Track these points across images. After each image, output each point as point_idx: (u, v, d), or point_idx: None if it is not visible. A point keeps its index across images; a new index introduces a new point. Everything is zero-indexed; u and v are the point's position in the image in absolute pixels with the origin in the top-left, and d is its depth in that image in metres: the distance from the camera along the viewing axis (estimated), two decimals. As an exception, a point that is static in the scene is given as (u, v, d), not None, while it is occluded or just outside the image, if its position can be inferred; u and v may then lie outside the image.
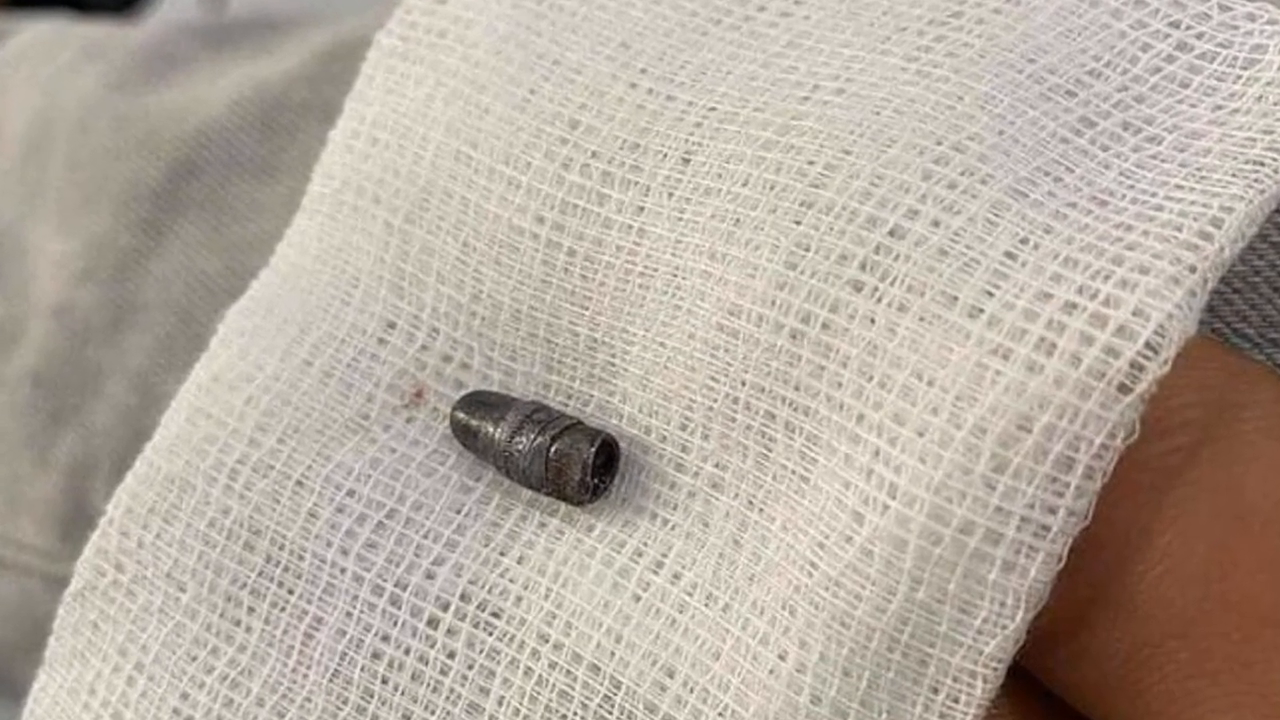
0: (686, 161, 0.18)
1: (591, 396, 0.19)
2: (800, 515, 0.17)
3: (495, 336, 0.20)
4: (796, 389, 0.17)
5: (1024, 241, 0.16)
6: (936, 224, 0.16)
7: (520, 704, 0.18)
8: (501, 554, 0.19)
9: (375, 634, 0.19)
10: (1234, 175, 0.16)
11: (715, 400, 0.18)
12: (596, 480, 0.18)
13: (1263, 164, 0.16)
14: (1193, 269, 0.15)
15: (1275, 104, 0.17)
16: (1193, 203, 0.16)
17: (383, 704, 0.19)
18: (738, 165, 0.18)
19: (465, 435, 0.19)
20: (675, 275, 0.18)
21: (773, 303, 0.17)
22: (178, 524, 0.20)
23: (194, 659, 0.19)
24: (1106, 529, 0.15)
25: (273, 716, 0.19)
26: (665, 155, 0.18)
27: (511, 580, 0.19)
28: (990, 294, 0.16)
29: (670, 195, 0.18)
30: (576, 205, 0.19)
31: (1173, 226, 0.16)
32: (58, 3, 0.64)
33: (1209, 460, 0.16)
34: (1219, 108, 0.17)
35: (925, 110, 0.17)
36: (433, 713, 0.19)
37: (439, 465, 0.20)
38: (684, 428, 0.18)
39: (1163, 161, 0.17)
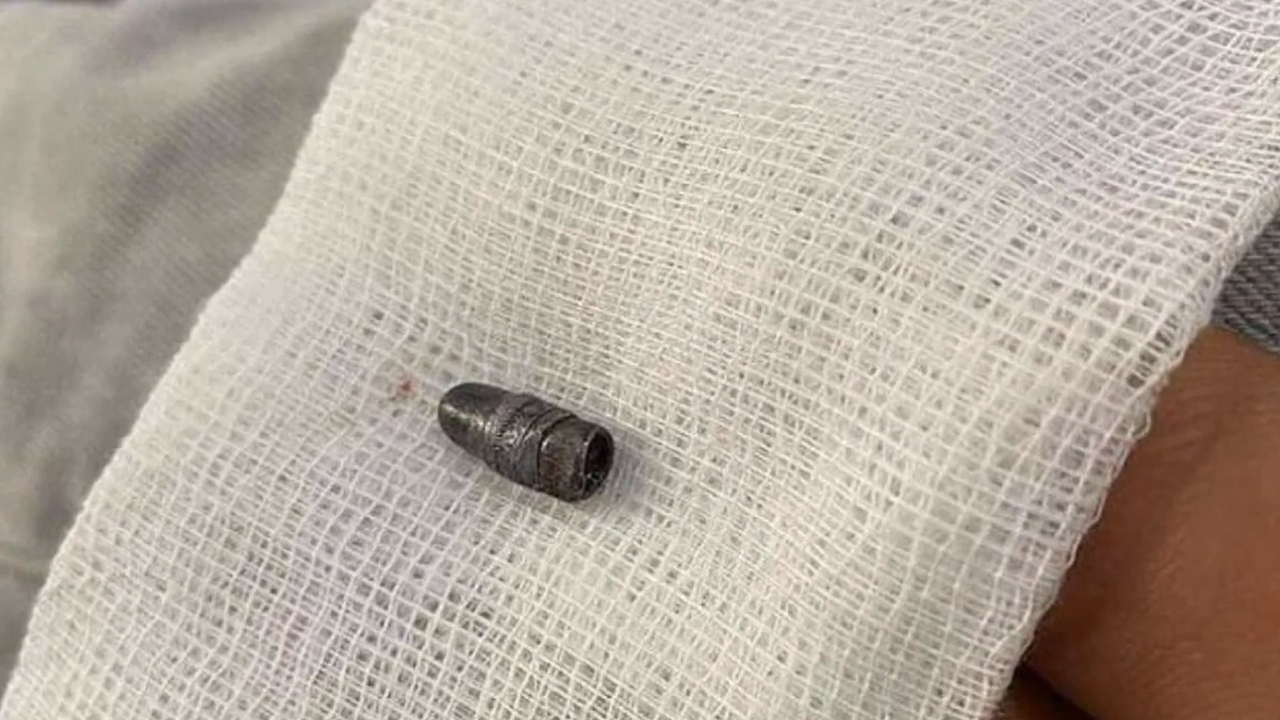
0: (683, 146, 0.18)
1: (584, 389, 0.19)
2: (800, 511, 0.17)
3: (485, 327, 0.19)
4: (796, 381, 0.17)
5: (1031, 229, 0.16)
6: (941, 211, 0.16)
7: (511, 707, 0.18)
8: (492, 552, 0.19)
9: (361, 634, 0.19)
10: (1248, 160, 0.16)
11: (712, 393, 0.17)
12: (590, 475, 0.18)
13: (1278, 149, 0.16)
14: (1206, 257, 0.15)
15: None
16: (1205, 189, 0.16)
17: (369, 706, 0.18)
18: (735, 150, 0.17)
19: (454, 429, 0.19)
20: (671, 264, 0.18)
21: (772, 292, 0.16)
22: (157, 521, 0.19)
23: (174, 660, 0.19)
24: (1117, 526, 0.15)
25: (255, 719, 0.19)
26: (661, 140, 0.18)
27: (502, 579, 0.18)
28: (996, 283, 0.15)
29: (666, 181, 0.18)
30: (569, 191, 0.18)
31: (1185, 213, 0.15)
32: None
33: (1223, 455, 0.15)
34: (1233, 91, 0.17)
35: (929, 93, 0.17)
36: (420, 715, 0.18)
37: (427, 460, 0.19)
38: (680, 421, 0.18)
39: (1175, 146, 0.16)
